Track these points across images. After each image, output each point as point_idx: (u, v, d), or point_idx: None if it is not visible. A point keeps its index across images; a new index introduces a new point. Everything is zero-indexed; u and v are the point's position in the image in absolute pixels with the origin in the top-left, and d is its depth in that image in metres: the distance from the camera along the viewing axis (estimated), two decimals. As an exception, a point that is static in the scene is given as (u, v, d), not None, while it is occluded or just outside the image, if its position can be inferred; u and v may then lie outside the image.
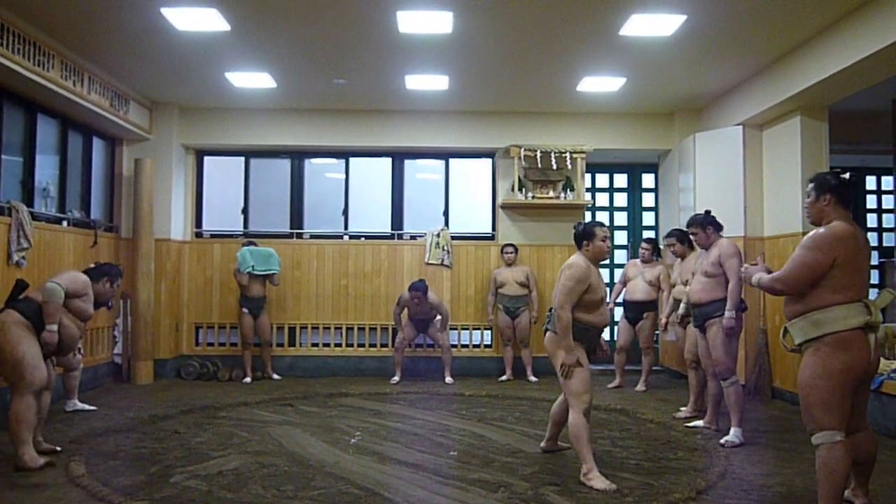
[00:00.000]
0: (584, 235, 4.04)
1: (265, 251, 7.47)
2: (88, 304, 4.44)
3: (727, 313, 4.80)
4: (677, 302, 5.75)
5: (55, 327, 4.18)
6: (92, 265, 5.14)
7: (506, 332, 7.61)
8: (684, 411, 5.71)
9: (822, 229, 3.15)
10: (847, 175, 3.23)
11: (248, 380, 7.37)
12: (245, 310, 7.43)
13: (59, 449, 4.35)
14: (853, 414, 3.14)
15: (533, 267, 7.86)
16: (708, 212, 5.09)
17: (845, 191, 3.20)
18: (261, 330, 7.53)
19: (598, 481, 3.74)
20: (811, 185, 3.28)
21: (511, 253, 7.65)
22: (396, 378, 7.37)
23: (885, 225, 9.25)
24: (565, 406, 4.20)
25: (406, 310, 7.38)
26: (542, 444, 4.57)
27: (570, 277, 3.90)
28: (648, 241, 7.23)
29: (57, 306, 4.20)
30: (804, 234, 6.05)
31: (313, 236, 8.24)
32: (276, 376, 7.60)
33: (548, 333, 4.07)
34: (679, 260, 5.80)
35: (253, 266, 7.30)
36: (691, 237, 5.23)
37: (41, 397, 4.16)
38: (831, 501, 3.02)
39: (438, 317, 7.43)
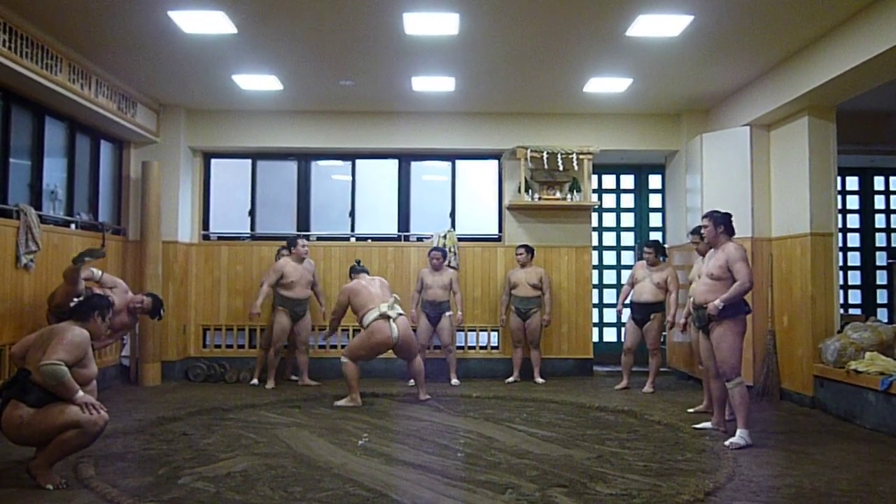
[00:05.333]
0: None
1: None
2: (91, 363, 4.02)
3: (717, 301, 4.80)
4: None
5: (81, 392, 3.82)
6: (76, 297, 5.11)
7: (516, 334, 7.58)
8: (701, 407, 5.89)
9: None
10: None
11: (258, 383, 7.12)
12: (282, 308, 7.09)
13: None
14: None
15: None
16: (728, 214, 5.07)
17: None
18: (301, 332, 7.27)
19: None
20: None
21: (521, 254, 7.59)
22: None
23: (893, 225, 9.20)
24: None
25: (422, 293, 7.41)
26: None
27: None
28: (651, 243, 7.20)
29: (69, 382, 3.78)
30: (812, 235, 6.13)
31: (320, 238, 8.25)
32: (312, 382, 7.25)
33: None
34: (701, 257, 5.80)
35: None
36: (702, 230, 5.15)
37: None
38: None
39: (448, 314, 7.44)
